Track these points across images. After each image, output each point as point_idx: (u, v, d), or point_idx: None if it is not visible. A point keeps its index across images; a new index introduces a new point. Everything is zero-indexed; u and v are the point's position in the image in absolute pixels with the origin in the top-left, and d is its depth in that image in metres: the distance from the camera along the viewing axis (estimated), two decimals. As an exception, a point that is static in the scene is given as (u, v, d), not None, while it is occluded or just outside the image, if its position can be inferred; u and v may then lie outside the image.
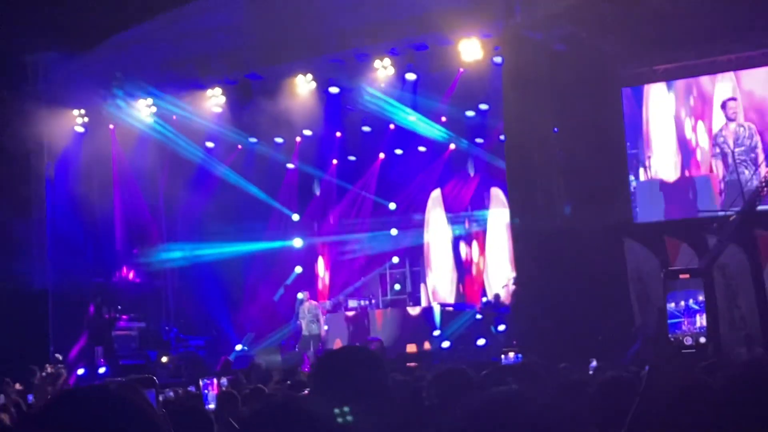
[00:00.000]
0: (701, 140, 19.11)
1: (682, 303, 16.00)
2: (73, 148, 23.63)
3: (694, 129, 19.19)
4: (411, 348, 21.02)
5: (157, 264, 24.55)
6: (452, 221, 25.92)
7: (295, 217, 26.47)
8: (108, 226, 24.36)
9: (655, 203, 19.32)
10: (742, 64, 18.68)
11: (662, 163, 19.40)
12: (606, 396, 5.31)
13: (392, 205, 26.46)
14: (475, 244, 25.80)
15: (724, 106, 18.94)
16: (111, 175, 24.21)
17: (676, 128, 19.32)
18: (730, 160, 18.78)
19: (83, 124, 23.65)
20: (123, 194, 24.50)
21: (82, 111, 23.42)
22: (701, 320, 15.43)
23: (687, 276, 15.31)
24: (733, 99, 18.92)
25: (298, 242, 26.14)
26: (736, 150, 18.80)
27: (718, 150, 19.02)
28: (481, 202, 25.81)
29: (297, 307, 23.02)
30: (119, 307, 23.82)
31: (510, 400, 2.74)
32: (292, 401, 3.13)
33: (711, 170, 19.09)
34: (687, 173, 19.26)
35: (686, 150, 19.23)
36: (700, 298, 15.23)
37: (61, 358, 20.58)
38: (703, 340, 15.29)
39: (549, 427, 2.72)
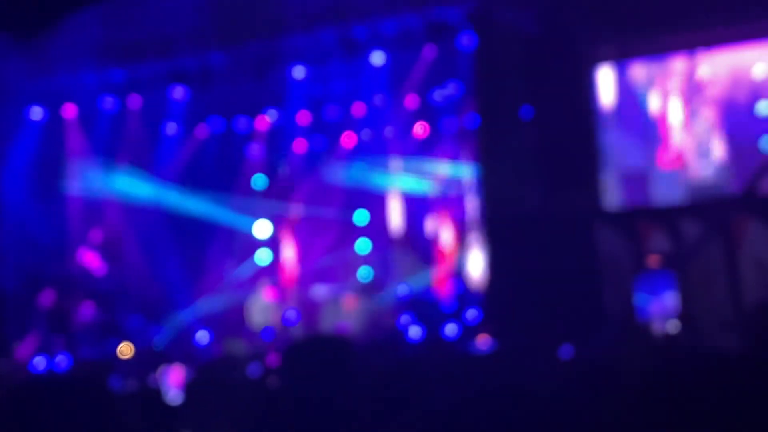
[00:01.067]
0: (675, 128, 19.01)
1: (654, 288, 15.78)
2: (29, 133, 23.23)
3: (666, 116, 19.09)
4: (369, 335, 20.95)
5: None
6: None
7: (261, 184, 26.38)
8: (63, 209, 24.04)
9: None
10: (717, 41, 18.61)
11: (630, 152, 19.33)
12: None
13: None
14: (445, 229, 25.62)
15: (699, 89, 18.88)
16: (67, 159, 23.91)
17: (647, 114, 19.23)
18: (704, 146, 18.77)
19: (40, 108, 23.27)
20: (80, 177, 24.20)
21: (38, 94, 22.99)
22: (673, 305, 15.30)
23: (658, 261, 15.11)
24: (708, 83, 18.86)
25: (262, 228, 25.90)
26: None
27: (692, 138, 18.97)
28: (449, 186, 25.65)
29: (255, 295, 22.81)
30: (79, 295, 23.54)
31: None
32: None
33: (683, 164, 19.02)
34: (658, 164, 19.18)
35: (657, 139, 19.15)
36: (671, 283, 15.04)
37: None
38: (674, 325, 15.09)
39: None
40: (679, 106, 19.00)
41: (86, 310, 23.26)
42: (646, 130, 19.17)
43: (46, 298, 22.53)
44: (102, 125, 23.86)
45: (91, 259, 24.52)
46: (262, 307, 22.21)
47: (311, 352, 3.73)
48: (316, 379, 3.52)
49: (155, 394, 9.76)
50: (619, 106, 19.33)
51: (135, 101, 23.51)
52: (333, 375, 3.56)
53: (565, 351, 12.37)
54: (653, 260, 17.37)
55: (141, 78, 22.43)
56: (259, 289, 22.67)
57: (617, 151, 19.22)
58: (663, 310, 17.65)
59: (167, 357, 21.18)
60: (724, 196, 17.78)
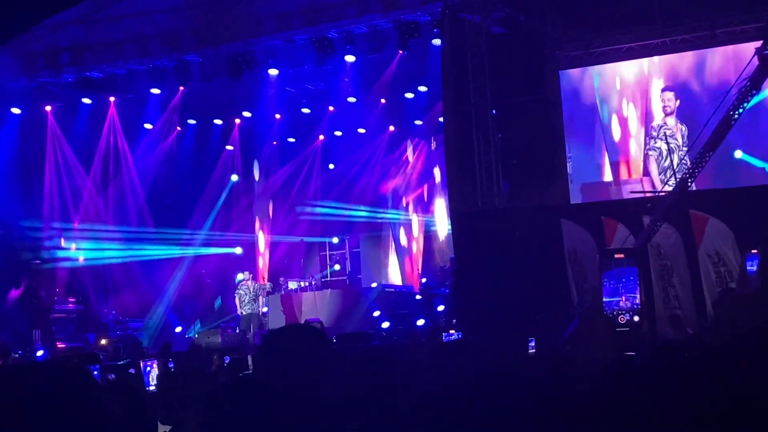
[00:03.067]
0: (633, 136, 19.40)
1: (618, 282, 16.10)
2: (8, 129, 23.37)
3: (625, 123, 19.48)
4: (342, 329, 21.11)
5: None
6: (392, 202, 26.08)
7: (234, 177, 26.61)
8: (41, 202, 24.17)
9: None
10: (678, 47, 18.90)
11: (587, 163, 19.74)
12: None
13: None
14: (415, 224, 25.97)
15: (659, 97, 19.25)
16: (46, 155, 24.00)
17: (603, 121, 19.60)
18: (664, 148, 19.13)
19: (19, 106, 23.39)
20: (59, 173, 24.26)
21: (18, 92, 23.05)
22: (636, 299, 15.62)
23: (622, 256, 15.41)
24: (670, 89, 19.19)
25: (238, 250, 26.25)
26: (671, 142, 19.12)
27: (652, 143, 19.32)
28: (421, 183, 26.00)
29: (238, 286, 22.92)
30: (57, 289, 23.63)
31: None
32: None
33: (643, 174, 19.43)
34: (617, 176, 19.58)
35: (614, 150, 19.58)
36: (634, 277, 15.31)
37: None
38: (637, 318, 15.41)
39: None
40: (639, 109, 19.34)
41: (64, 302, 23.39)
42: (605, 132, 19.50)
43: (24, 289, 22.55)
44: (80, 122, 23.98)
45: (69, 251, 24.65)
46: (247, 297, 22.29)
47: (289, 340, 3.71)
48: (294, 365, 3.49)
49: (133, 383, 9.84)
50: (581, 106, 19.63)
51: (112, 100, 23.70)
52: (309, 361, 3.55)
53: (532, 342, 12.63)
54: (617, 253, 17.52)
55: (118, 77, 22.59)
56: (241, 281, 22.73)
57: (579, 149, 19.54)
58: (628, 301, 17.90)
59: (145, 347, 21.40)
60: (684, 190, 18.01)
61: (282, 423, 3.02)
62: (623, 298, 18.29)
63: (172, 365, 18.12)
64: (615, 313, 17.43)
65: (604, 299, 17.45)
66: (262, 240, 26.66)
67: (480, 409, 2.96)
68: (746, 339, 3.18)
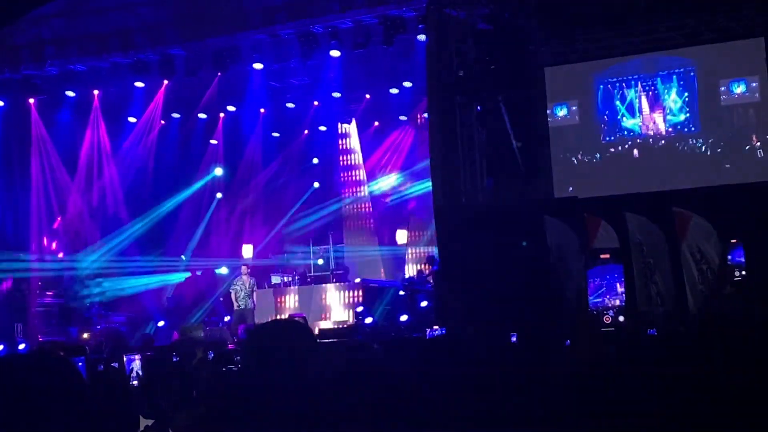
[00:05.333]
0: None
1: (602, 280, 16.11)
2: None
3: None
4: (325, 324, 21.08)
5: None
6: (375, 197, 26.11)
7: (218, 171, 26.60)
8: (27, 198, 24.08)
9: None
10: (661, 45, 18.96)
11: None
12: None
13: (316, 184, 26.54)
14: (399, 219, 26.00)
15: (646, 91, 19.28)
16: (30, 148, 23.93)
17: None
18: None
19: (2, 98, 23.32)
20: (43, 167, 24.20)
21: (1, 84, 23.03)
22: (620, 297, 15.53)
23: (608, 256, 15.35)
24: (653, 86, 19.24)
25: (247, 250, 26.19)
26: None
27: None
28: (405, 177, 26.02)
29: (233, 280, 22.81)
30: (39, 283, 23.58)
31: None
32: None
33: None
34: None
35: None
36: (618, 275, 15.28)
37: None
38: (621, 318, 15.35)
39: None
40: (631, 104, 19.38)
41: (42, 296, 23.33)
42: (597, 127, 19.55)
43: (6, 285, 22.51)
44: (64, 115, 23.93)
45: (52, 247, 24.63)
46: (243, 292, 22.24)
47: (273, 333, 3.76)
48: (278, 359, 3.53)
49: (117, 377, 9.82)
50: (568, 102, 19.67)
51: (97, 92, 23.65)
52: (292, 354, 3.59)
53: (514, 337, 12.64)
54: (602, 252, 17.59)
55: (102, 70, 22.52)
56: (239, 275, 22.64)
57: (565, 145, 19.57)
58: (612, 299, 18.01)
59: (128, 341, 21.37)
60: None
61: (267, 415, 3.03)
62: (607, 297, 18.39)
63: (155, 358, 18.11)
64: (599, 311, 17.51)
65: (589, 298, 17.50)
66: (248, 251, 26.51)
67: (463, 402, 3.03)
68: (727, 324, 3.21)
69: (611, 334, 15.50)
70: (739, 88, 18.45)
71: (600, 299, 18.23)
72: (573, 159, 19.53)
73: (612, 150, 19.51)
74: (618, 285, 17.83)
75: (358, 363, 4.26)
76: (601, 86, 19.49)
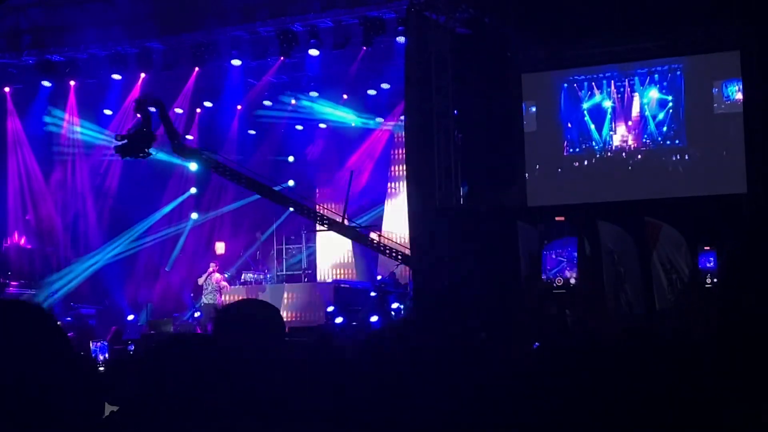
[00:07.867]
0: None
1: (558, 251, 16.16)
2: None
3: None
4: (295, 324, 21.07)
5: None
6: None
7: (193, 190, 26.40)
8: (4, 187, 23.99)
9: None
10: (643, 54, 18.97)
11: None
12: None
13: (291, 182, 26.49)
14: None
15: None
16: (5, 140, 23.81)
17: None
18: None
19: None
20: (17, 159, 24.08)
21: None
22: (574, 265, 15.60)
23: (563, 219, 15.43)
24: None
25: (220, 247, 26.05)
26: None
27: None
28: (381, 180, 26.01)
29: (205, 278, 22.75)
30: (9, 272, 23.42)
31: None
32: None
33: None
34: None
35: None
36: (573, 247, 15.36)
37: None
38: (573, 281, 15.48)
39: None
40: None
41: (6, 286, 23.18)
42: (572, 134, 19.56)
43: None
44: (40, 107, 23.82)
45: (22, 240, 24.47)
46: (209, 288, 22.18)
47: (245, 310, 3.83)
48: (248, 332, 3.60)
49: (85, 366, 9.81)
50: (543, 110, 19.67)
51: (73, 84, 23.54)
52: (262, 330, 3.67)
53: (487, 341, 12.66)
54: (558, 216, 17.75)
55: (79, 61, 22.41)
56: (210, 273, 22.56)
57: (539, 151, 19.58)
58: (568, 267, 17.95)
59: (97, 331, 21.29)
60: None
61: (236, 385, 3.06)
62: (563, 264, 18.17)
63: (131, 348, 18.06)
64: (553, 278, 17.59)
65: (544, 265, 17.58)
66: (221, 248, 26.41)
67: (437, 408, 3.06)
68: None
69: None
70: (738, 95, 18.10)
71: (558, 268, 18.08)
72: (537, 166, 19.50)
73: (576, 164, 19.51)
74: (572, 253, 17.83)
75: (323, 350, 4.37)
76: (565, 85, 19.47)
